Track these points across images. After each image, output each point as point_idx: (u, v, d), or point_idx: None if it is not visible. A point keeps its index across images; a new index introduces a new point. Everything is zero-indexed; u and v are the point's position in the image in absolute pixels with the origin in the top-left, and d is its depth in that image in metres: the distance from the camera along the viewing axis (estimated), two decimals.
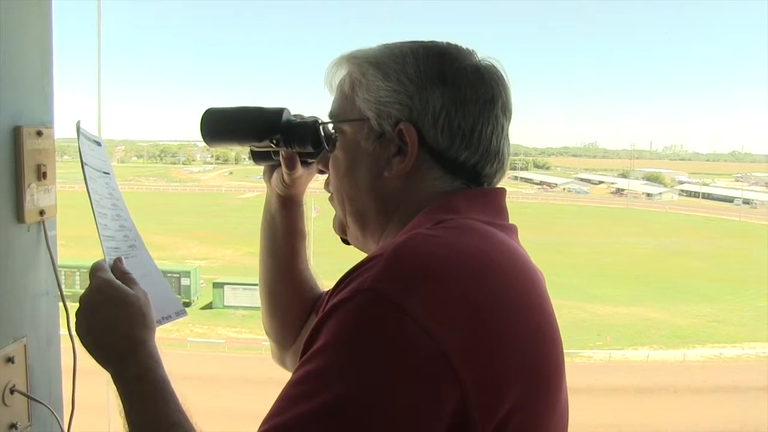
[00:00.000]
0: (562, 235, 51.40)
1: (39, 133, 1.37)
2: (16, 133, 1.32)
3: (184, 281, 31.34)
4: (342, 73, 1.07)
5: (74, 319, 1.10)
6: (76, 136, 1.21)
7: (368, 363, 0.76)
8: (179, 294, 31.17)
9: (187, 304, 31.35)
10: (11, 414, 1.33)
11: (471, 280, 0.83)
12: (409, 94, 0.97)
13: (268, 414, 0.79)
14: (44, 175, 1.38)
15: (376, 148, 1.01)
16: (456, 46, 1.03)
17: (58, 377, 1.49)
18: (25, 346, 1.37)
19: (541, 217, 59.27)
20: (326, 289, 1.28)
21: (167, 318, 1.22)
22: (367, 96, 1.00)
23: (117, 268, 1.15)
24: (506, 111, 1.02)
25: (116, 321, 1.06)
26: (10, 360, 1.31)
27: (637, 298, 34.43)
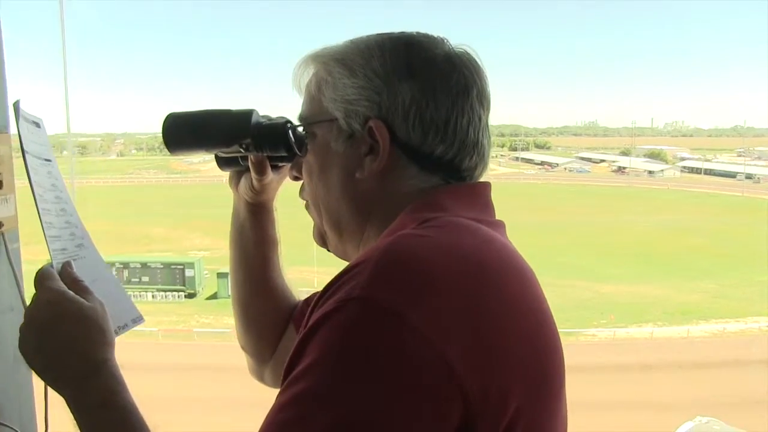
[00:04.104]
0: (564, 215, 51.34)
1: None
2: None
3: (189, 272, 31.37)
4: (309, 73, 1.02)
5: (18, 336, 0.95)
6: (14, 118, 1.05)
7: (364, 380, 0.70)
8: (183, 285, 31.33)
9: (192, 295, 31.58)
10: None
11: (469, 284, 0.78)
12: (376, 89, 0.93)
13: None
14: (0, 184, 1.27)
15: (347, 149, 0.96)
16: (425, 35, 0.98)
17: (30, 399, 1.36)
18: None
19: (542, 198, 59.18)
20: (302, 298, 1.27)
21: (123, 327, 1.09)
22: (334, 95, 0.96)
23: (67, 274, 1.00)
24: (483, 100, 0.97)
25: (73, 339, 0.93)
26: None
27: (641, 276, 34.43)
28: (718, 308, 29.65)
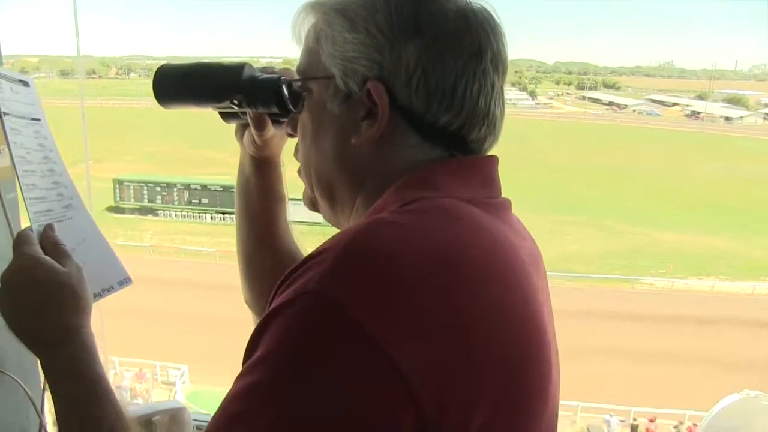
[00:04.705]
0: (629, 158, 49.88)
1: None
2: None
3: None
4: (309, 22, 0.92)
5: None
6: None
7: (310, 379, 0.66)
8: None
9: None
10: None
11: (437, 282, 0.70)
12: (378, 47, 0.83)
13: (206, 428, 0.70)
14: None
15: (343, 111, 0.87)
16: None
17: None
18: None
19: (608, 140, 57.70)
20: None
21: (108, 289, 1.09)
22: (332, 50, 0.86)
23: (47, 237, 1.00)
24: (498, 64, 0.86)
25: (44, 305, 0.93)
26: None
27: (707, 226, 33.45)
28: None
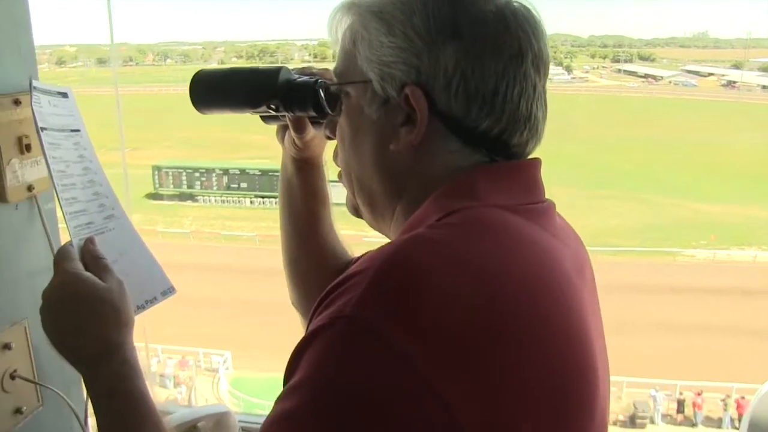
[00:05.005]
0: (667, 130, 49.00)
1: (16, 102, 1.24)
2: None
3: None
4: (345, 23, 0.90)
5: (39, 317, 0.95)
6: (28, 90, 1.03)
7: (347, 404, 0.66)
8: None
9: None
10: (14, 399, 1.28)
11: (478, 303, 0.69)
12: (416, 51, 0.81)
13: None
14: (28, 147, 1.27)
15: (381, 116, 0.85)
16: None
17: None
18: (25, 328, 1.30)
19: (644, 112, 56.66)
20: (356, 255, 1.21)
21: (152, 300, 1.08)
22: (369, 54, 0.84)
23: (88, 251, 1.00)
24: (539, 65, 0.84)
25: (85, 321, 0.92)
26: (6, 347, 1.26)
27: (747, 196, 32.81)
28: None
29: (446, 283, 0.68)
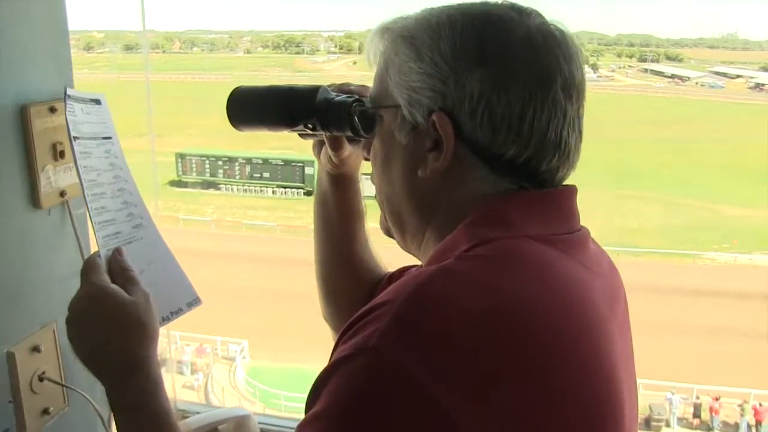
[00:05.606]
0: (691, 131, 48.45)
1: (52, 110, 1.26)
2: (23, 114, 1.20)
3: (308, 170, 31.73)
4: (380, 47, 0.90)
5: (65, 327, 0.96)
6: (64, 97, 1.04)
7: None
8: (303, 183, 32.04)
9: (311, 193, 32.02)
10: (42, 400, 1.29)
11: (497, 342, 0.68)
12: (442, 78, 0.80)
13: None
14: (62, 154, 1.28)
15: (411, 141, 0.85)
16: (510, 6, 0.83)
17: None
18: (54, 331, 1.32)
19: (669, 112, 56.04)
20: (390, 270, 1.21)
21: (177, 312, 1.09)
22: (399, 79, 0.84)
23: (115, 262, 1.00)
24: (570, 90, 0.81)
25: (109, 335, 0.93)
26: (35, 349, 1.27)
27: None
28: None
29: (469, 322, 0.68)
